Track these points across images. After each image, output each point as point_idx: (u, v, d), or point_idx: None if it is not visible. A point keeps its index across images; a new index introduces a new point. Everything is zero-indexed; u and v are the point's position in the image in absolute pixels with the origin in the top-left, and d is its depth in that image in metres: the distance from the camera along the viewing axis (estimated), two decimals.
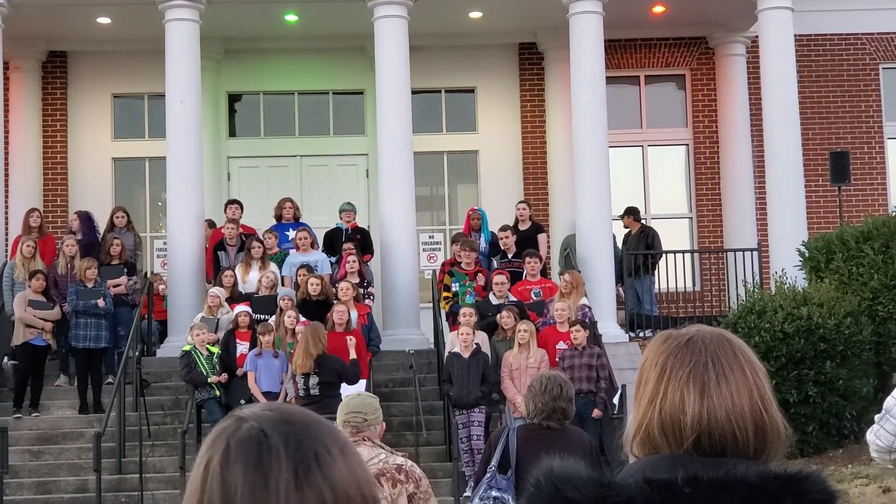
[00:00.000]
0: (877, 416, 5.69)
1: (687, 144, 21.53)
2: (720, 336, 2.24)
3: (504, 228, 17.52)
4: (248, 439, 1.65)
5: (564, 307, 15.17)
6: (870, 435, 5.64)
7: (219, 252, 17.38)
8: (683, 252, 19.53)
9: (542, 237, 18.08)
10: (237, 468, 1.63)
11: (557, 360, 14.59)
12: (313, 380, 13.67)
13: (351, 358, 14.27)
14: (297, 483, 1.61)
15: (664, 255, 18.81)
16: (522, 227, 17.94)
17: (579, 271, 17.08)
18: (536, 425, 6.80)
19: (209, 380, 14.74)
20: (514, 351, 14.57)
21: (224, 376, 14.90)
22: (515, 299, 15.86)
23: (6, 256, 17.68)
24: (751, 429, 2.10)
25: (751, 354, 2.23)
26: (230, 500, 1.61)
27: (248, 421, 1.69)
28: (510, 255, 17.29)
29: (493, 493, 6.62)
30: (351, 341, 14.40)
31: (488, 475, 6.71)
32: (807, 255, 15.75)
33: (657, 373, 2.20)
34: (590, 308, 16.00)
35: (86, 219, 17.57)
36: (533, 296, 16.22)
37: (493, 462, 6.74)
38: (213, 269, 17.28)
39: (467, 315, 14.88)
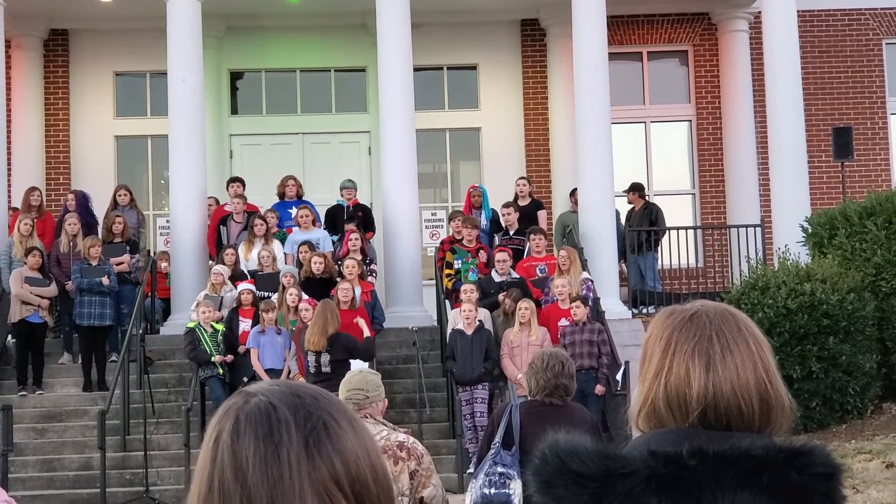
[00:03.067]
0: None
1: (690, 121, 21.50)
2: (724, 310, 2.25)
3: (507, 205, 17.51)
4: (257, 412, 1.66)
5: (565, 283, 15.17)
6: None
7: (220, 227, 17.38)
8: (687, 228, 19.53)
9: (541, 213, 18.07)
10: (247, 440, 1.64)
11: (559, 336, 14.61)
12: (325, 357, 13.67)
13: (365, 336, 14.30)
14: (308, 453, 1.62)
15: (667, 231, 18.81)
16: (522, 203, 17.93)
17: (581, 248, 17.09)
18: (539, 402, 6.82)
19: (213, 359, 14.76)
20: (514, 329, 14.58)
21: (230, 357, 14.92)
22: (518, 276, 15.86)
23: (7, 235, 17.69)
24: (756, 402, 2.11)
25: (755, 328, 2.23)
26: (242, 471, 1.62)
27: (256, 395, 1.69)
28: (511, 232, 17.29)
29: (499, 469, 6.65)
30: (361, 322, 14.44)
31: (492, 451, 6.74)
32: (810, 231, 15.75)
33: (662, 347, 2.21)
34: (592, 281, 16.01)
35: (81, 198, 17.57)
36: (538, 272, 16.23)
37: (497, 438, 6.76)
38: (216, 247, 17.29)
39: (469, 292, 14.89)
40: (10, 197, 18.60)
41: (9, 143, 18.97)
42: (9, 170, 18.81)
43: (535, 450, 1.95)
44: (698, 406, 2.10)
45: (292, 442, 1.62)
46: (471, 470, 13.58)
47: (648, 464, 1.84)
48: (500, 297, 15.17)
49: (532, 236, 16.55)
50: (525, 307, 14.51)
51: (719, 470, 1.82)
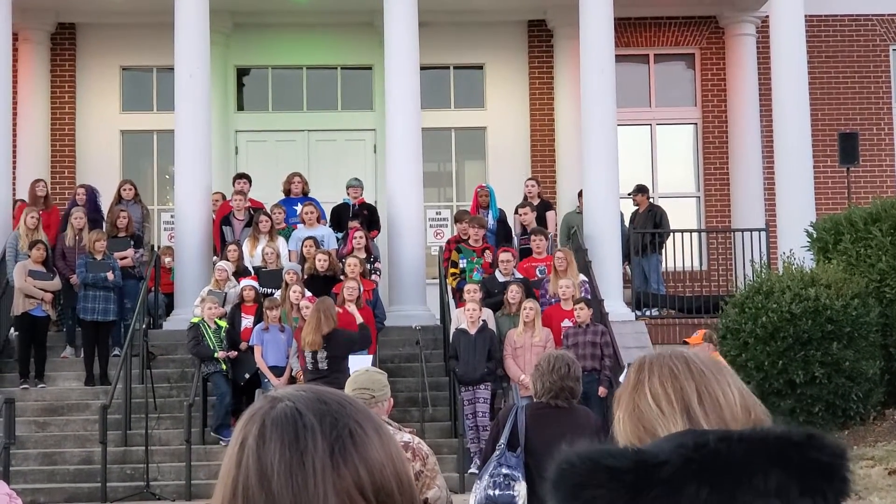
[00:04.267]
0: None
1: (695, 124, 21.48)
2: (693, 356, 2.23)
3: (523, 205, 17.54)
4: (283, 417, 1.65)
5: (569, 285, 15.15)
6: None
7: (224, 227, 17.39)
8: (691, 231, 19.52)
9: (550, 214, 18.08)
10: (273, 446, 1.62)
11: (562, 337, 14.60)
12: (321, 354, 13.67)
13: (359, 323, 14.26)
14: (333, 461, 1.61)
15: (671, 233, 18.80)
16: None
17: (585, 249, 17.08)
18: (544, 404, 6.80)
19: (216, 355, 14.76)
20: (518, 329, 14.56)
21: (233, 353, 14.92)
22: (521, 276, 15.86)
23: (12, 228, 17.69)
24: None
25: (725, 366, 2.23)
26: (266, 478, 1.61)
27: (282, 401, 1.68)
28: (529, 232, 17.28)
29: (504, 471, 6.63)
30: (351, 308, 14.37)
31: (497, 453, 6.72)
32: (815, 235, 15.74)
33: (634, 379, 2.19)
34: (589, 283, 15.98)
35: (90, 192, 17.58)
36: (538, 273, 16.22)
37: (502, 440, 6.74)
38: (220, 243, 17.30)
39: (473, 291, 14.88)
40: (15, 190, 18.61)
41: (15, 135, 18.97)
42: (14, 163, 18.81)
43: (550, 461, 1.93)
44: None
45: (317, 449, 1.61)
46: (472, 470, 13.62)
47: (680, 451, 1.84)
48: (511, 286, 15.11)
49: (533, 237, 16.55)
50: (530, 307, 14.49)
51: (749, 451, 1.83)
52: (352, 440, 1.63)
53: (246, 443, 1.65)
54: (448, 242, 17.36)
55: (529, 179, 18.69)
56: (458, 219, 17.56)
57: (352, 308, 14.33)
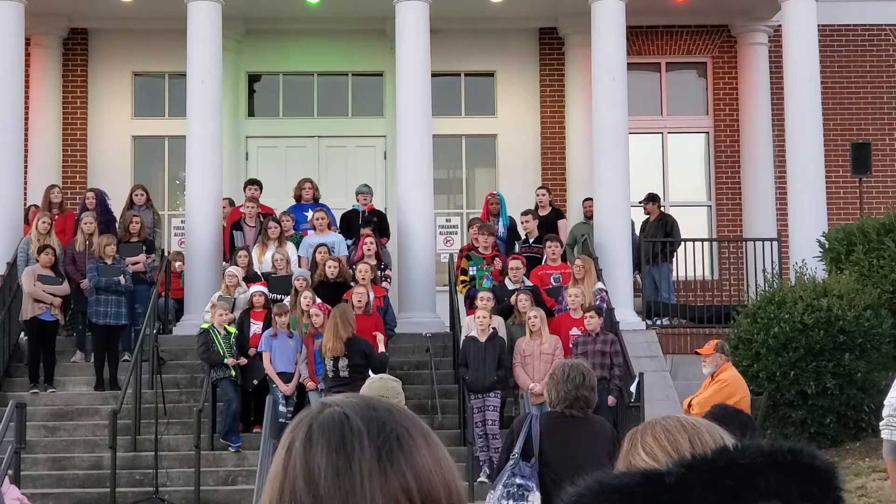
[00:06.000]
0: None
1: (707, 132, 21.44)
2: (686, 417, 2.31)
3: (526, 213, 17.48)
4: (330, 422, 1.65)
5: (578, 293, 15.11)
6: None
7: (234, 231, 17.40)
8: (702, 240, 19.47)
9: (561, 223, 18.05)
10: (320, 449, 1.63)
11: (571, 346, 14.55)
12: (342, 362, 13.63)
13: (380, 350, 14.29)
14: (381, 465, 1.61)
15: (682, 243, 18.75)
16: (542, 212, 17.90)
17: (596, 257, 17.04)
18: (559, 413, 6.77)
19: (225, 361, 14.74)
20: (526, 337, 14.52)
21: (243, 360, 14.89)
22: (532, 284, 15.83)
23: (24, 233, 17.70)
24: None
25: (721, 428, 2.31)
26: (313, 481, 1.61)
27: (331, 406, 1.69)
28: (531, 240, 17.26)
29: (517, 481, 6.60)
30: (379, 337, 14.41)
31: (511, 462, 6.69)
32: (827, 246, 15.70)
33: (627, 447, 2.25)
34: (606, 292, 15.95)
35: (100, 196, 17.58)
36: (553, 281, 16.19)
37: (517, 449, 6.71)
38: (229, 249, 17.29)
39: (484, 299, 14.85)
40: (26, 195, 18.62)
41: (26, 140, 18.98)
42: (25, 167, 18.83)
43: (566, 480, 1.94)
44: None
45: (364, 453, 1.61)
46: (482, 478, 13.59)
47: (683, 461, 1.88)
48: (519, 295, 15.08)
49: (549, 244, 16.51)
50: (534, 315, 14.44)
51: (748, 456, 1.86)
52: (399, 445, 1.63)
53: (293, 446, 1.65)
54: (460, 250, 17.36)
55: (540, 188, 18.66)
56: (470, 226, 17.56)
57: (379, 338, 14.35)
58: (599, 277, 16.33)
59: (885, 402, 5.61)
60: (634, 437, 2.24)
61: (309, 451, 1.63)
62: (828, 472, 1.82)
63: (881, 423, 5.66)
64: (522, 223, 17.41)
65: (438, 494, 1.63)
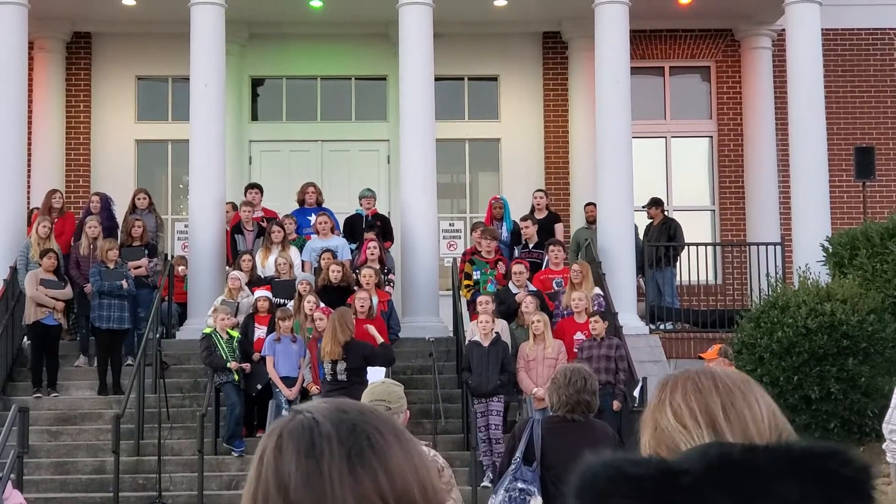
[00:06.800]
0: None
1: (711, 136, 21.43)
2: (721, 373, 2.18)
3: (525, 218, 17.46)
4: (299, 427, 1.66)
5: (582, 297, 15.10)
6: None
7: (236, 235, 17.40)
8: (706, 245, 19.45)
9: (558, 226, 18.03)
10: (289, 455, 1.64)
11: (575, 350, 14.53)
12: (340, 365, 13.62)
13: (380, 342, 14.24)
14: (351, 467, 1.61)
15: (686, 247, 18.73)
16: (539, 215, 17.88)
17: (599, 262, 17.03)
18: (561, 418, 6.76)
19: (228, 365, 14.73)
20: (529, 342, 14.51)
21: (247, 366, 14.88)
22: (535, 288, 15.82)
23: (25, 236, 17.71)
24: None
25: (756, 385, 2.16)
26: (284, 488, 1.62)
27: (302, 413, 1.70)
28: (531, 245, 17.24)
29: (519, 485, 6.58)
30: (371, 329, 14.34)
31: (513, 466, 6.68)
32: (830, 250, 15.66)
33: (660, 410, 2.14)
34: (604, 297, 15.94)
35: (104, 200, 17.59)
36: (555, 285, 16.17)
37: (518, 454, 6.70)
38: (231, 252, 17.29)
39: (485, 303, 14.83)
40: (29, 198, 18.63)
41: (29, 144, 18.99)
42: (28, 171, 18.84)
43: (573, 471, 1.90)
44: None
45: (334, 456, 1.61)
46: (485, 483, 13.57)
47: (704, 459, 1.82)
48: (525, 298, 15.05)
49: (551, 248, 16.48)
50: (537, 319, 14.42)
51: (773, 461, 1.81)
52: (370, 446, 1.63)
53: (265, 455, 1.66)
54: (463, 254, 17.35)
55: (538, 191, 18.64)
56: (473, 230, 17.55)
57: (372, 331, 14.28)
58: (599, 282, 16.30)
59: (885, 424, 5.58)
60: (664, 390, 2.12)
61: (279, 458, 1.63)
62: (858, 481, 1.78)
63: (884, 445, 5.65)
64: (522, 229, 17.38)
65: (413, 493, 1.62)
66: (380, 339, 14.25)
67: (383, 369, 13.90)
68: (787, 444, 1.84)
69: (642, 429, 2.15)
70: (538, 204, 18.10)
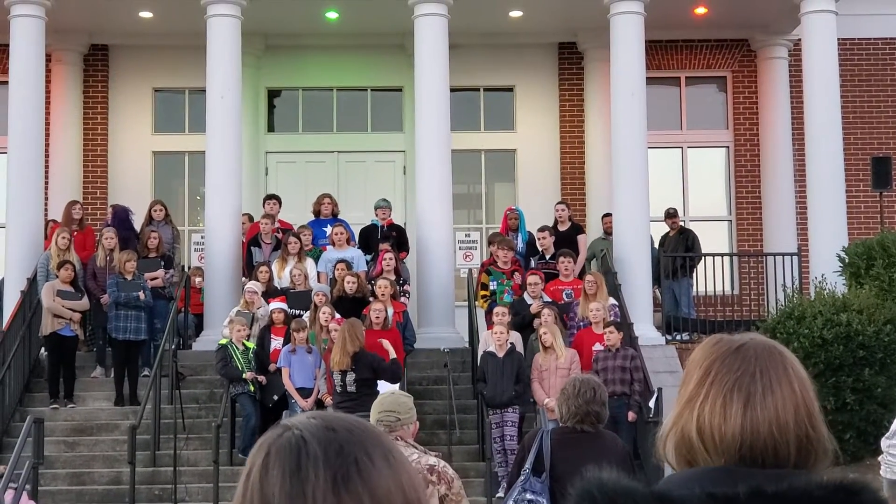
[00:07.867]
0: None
1: (727, 147, 21.39)
2: (772, 347, 2.17)
3: (542, 229, 17.44)
4: (287, 446, 1.65)
5: (599, 308, 15.08)
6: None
7: (252, 248, 17.43)
8: (722, 255, 19.40)
9: (581, 238, 17.97)
10: (274, 476, 1.63)
11: (592, 361, 14.50)
12: (350, 377, 13.61)
13: (392, 358, 14.22)
14: (336, 491, 1.60)
15: (703, 257, 18.69)
16: (562, 227, 17.84)
17: (615, 272, 17.00)
18: (570, 429, 6.75)
19: (244, 376, 14.75)
20: (541, 353, 14.50)
21: (263, 378, 14.89)
22: (550, 300, 15.80)
23: (44, 248, 17.78)
24: (793, 445, 2.05)
25: (801, 369, 2.16)
26: None
27: (291, 429, 1.69)
28: (548, 256, 17.22)
29: (528, 496, 6.58)
30: (386, 343, 14.30)
31: (522, 477, 6.67)
32: (847, 260, 15.62)
33: (700, 375, 2.14)
34: (618, 307, 15.91)
35: (122, 212, 17.65)
36: (565, 296, 16.15)
37: (527, 465, 6.69)
38: (247, 265, 17.31)
39: (501, 314, 14.82)
40: (46, 210, 18.71)
41: (47, 156, 19.08)
42: (46, 183, 18.93)
43: (573, 486, 1.88)
44: (734, 443, 2.04)
45: (319, 479, 1.60)
46: (500, 495, 13.54)
47: (705, 501, 1.79)
48: (543, 310, 15.00)
49: (561, 259, 16.46)
50: (543, 332, 14.40)
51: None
52: (356, 468, 1.62)
53: (251, 472, 1.66)
54: (482, 265, 17.35)
55: (559, 203, 18.60)
56: (490, 241, 17.54)
57: (386, 345, 14.25)
58: (614, 292, 16.27)
59: (884, 439, 5.54)
60: (711, 367, 2.12)
61: (265, 478, 1.63)
62: None
63: (879, 458, 5.60)
64: (539, 239, 17.36)
65: None
66: (392, 355, 14.21)
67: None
68: (803, 491, 1.81)
69: (685, 384, 2.14)
70: (560, 216, 17.99)
